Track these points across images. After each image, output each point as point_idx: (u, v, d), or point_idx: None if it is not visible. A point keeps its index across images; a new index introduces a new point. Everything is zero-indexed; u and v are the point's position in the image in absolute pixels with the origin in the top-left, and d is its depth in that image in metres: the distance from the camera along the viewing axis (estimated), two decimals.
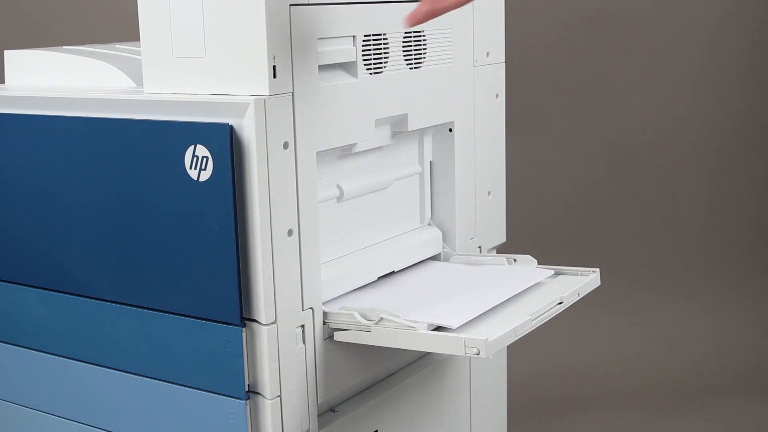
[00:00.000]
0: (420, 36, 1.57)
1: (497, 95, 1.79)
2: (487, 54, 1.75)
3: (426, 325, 1.35)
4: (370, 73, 1.47)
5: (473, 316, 1.38)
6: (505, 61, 1.81)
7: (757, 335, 3.10)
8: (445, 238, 1.74)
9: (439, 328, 1.35)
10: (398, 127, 1.58)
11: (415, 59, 1.56)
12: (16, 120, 1.50)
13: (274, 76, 1.28)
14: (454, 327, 1.34)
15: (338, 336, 1.41)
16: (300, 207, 1.34)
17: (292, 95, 1.31)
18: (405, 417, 1.62)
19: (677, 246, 3.26)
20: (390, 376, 1.60)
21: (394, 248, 1.64)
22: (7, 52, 1.68)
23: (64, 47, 1.70)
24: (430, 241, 1.71)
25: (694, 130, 3.23)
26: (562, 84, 3.23)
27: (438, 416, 1.71)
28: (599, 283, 1.58)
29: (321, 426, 1.43)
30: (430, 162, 1.72)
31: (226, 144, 1.25)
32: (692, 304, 3.19)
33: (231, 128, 1.25)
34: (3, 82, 1.70)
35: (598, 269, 1.58)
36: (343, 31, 1.42)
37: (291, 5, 1.30)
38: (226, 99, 1.28)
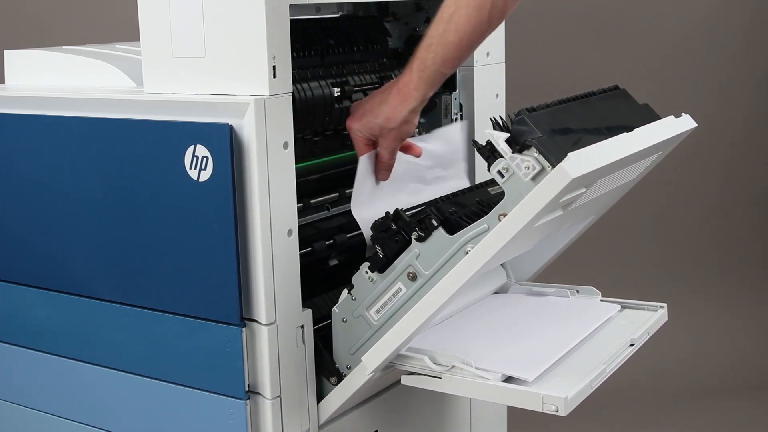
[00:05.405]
0: None
1: (497, 95, 1.79)
2: (487, 54, 1.74)
3: (499, 375, 1.29)
4: None
5: (547, 366, 1.31)
6: (505, 61, 1.81)
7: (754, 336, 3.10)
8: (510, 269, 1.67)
9: (510, 378, 1.29)
10: None
11: None
12: (16, 120, 1.50)
13: (274, 76, 1.28)
14: (530, 380, 1.27)
15: (405, 380, 1.35)
16: None
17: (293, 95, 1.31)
18: (405, 417, 1.62)
19: (676, 247, 3.26)
20: None
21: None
22: (7, 52, 1.68)
23: (64, 47, 1.70)
24: (500, 276, 1.64)
25: (694, 129, 3.22)
26: (561, 84, 3.22)
27: (438, 416, 1.71)
28: (666, 319, 1.52)
29: (321, 426, 1.43)
30: None
31: (226, 144, 1.25)
32: (693, 304, 3.18)
33: (231, 128, 1.25)
34: (3, 82, 1.70)
35: (665, 305, 1.52)
36: None
37: (291, 5, 1.30)
38: (226, 99, 1.28)
